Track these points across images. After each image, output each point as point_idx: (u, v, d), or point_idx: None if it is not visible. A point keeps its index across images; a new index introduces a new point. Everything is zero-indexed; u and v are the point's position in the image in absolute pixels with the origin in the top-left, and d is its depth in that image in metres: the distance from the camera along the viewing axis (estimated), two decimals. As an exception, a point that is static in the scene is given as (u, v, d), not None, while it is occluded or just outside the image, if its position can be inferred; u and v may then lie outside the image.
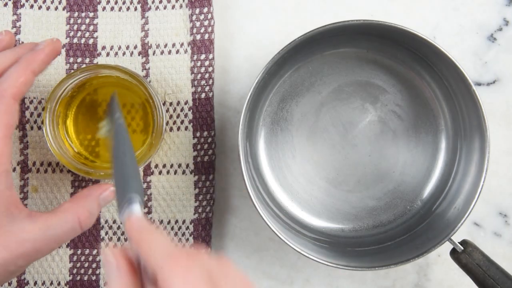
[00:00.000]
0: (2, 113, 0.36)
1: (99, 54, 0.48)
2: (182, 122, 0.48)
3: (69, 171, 0.48)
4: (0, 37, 0.41)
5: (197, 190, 0.48)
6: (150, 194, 0.48)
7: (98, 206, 0.39)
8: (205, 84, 0.48)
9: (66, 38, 0.48)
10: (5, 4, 0.48)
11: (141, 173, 0.48)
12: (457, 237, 0.43)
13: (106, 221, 0.48)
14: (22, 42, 0.48)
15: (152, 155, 0.43)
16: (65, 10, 0.48)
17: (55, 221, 0.37)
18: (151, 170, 0.48)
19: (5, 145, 0.36)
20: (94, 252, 0.48)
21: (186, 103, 0.48)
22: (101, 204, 0.40)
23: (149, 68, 0.48)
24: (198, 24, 0.48)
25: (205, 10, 0.48)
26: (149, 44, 0.48)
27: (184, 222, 0.48)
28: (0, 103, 0.37)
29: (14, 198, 0.37)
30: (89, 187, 0.41)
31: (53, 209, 0.38)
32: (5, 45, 0.41)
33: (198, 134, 0.48)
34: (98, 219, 0.48)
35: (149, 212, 0.48)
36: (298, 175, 0.48)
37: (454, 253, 0.43)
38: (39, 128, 0.48)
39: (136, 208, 0.32)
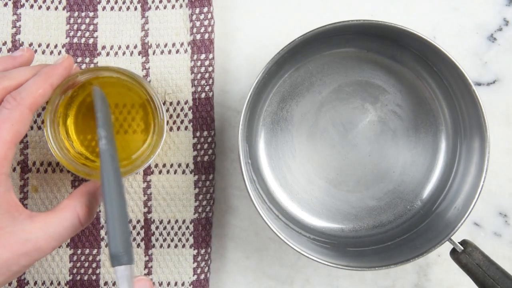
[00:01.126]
0: (15, 120, 0.37)
1: (99, 54, 0.48)
2: (182, 122, 0.48)
3: (69, 171, 0.48)
4: (22, 52, 0.43)
5: (197, 189, 0.48)
6: (150, 193, 0.48)
7: (96, 201, 0.40)
8: (205, 84, 0.48)
9: (66, 38, 0.48)
10: (5, 4, 0.48)
11: (141, 173, 0.48)
12: (457, 237, 0.43)
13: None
14: (22, 43, 0.48)
15: (153, 157, 0.43)
16: (65, 10, 0.48)
17: (54, 219, 0.37)
18: (151, 170, 0.48)
19: (10, 149, 0.37)
20: (94, 251, 0.48)
21: (186, 102, 0.48)
22: (99, 199, 0.41)
23: (149, 68, 0.48)
24: (198, 24, 0.48)
25: (205, 10, 0.48)
26: (149, 44, 0.48)
27: (184, 221, 0.48)
28: (16, 110, 0.38)
29: (13, 200, 0.37)
30: (86, 183, 0.41)
31: (52, 207, 0.39)
32: (25, 60, 0.43)
33: (198, 134, 0.48)
34: (98, 219, 0.48)
35: (149, 212, 0.48)
36: (298, 175, 0.48)
37: (454, 253, 0.43)
38: (39, 128, 0.48)
39: (120, 277, 0.36)
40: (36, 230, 0.37)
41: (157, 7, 0.48)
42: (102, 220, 0.48)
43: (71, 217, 0.38)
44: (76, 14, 0.48)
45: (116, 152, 0.39)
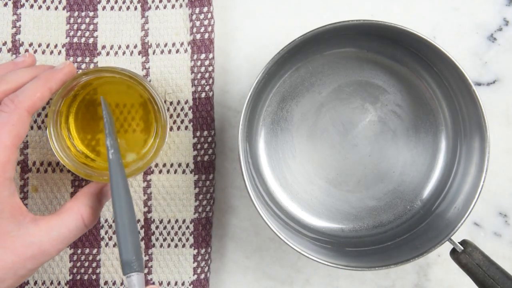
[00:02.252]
0: (14, 124, 0.37)
1: (99, 54, 0.48)
2: (182, 121, 0.48)
3: (69, 170, 0.48)
4: (23, 58, 0.43)
5: (197, 189, 0.48)
6: (150, 193, 0.48)
7: (100, 202, 0.40)
8: (205, 83, 0.48)
9: (66, 38, 0.48)
10: (5, 4, 0.48)
11: (141, 172, 0.48)
12: (457, 237, 0.43)
13: (106, 220, 0.48)
14: (22, 42, 0.48)
15: (155, 159, 0.44)
16: (65, 9, 0.48)
17: (58, 222, 0.38)
18: (151, 169, 0.48)
19: (12, 153, 0.37)
20: (94, 251, 0.48)
21: (186, 102, 0.48)
22: (103, 200, 0.41)
23: (149, 68, 0.48)
24: (198, 23, 0.48)
25: (205, 9, 0.48)
26: (149, 44, 0.48)
27: (184, 221, 0.48)
28: (14, 113, 0.38)
29: (18, 204, 0.37)
30: (89, 184, 0.41)
31: (57, 210, 0.39)
32: (27, 66, 0.43)
33: (198, 134, 0.48)
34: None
35: (149, 211, 0.48)
36: (298, 175, 0.48)
37: (454, 253, 0.43)
38: (39, 128, 0.48)
39: (132, 285, 0.36)
40: (41, 233, 0.37)
41: (157, 7, 0.48)
42: (102, 220, 0.48)
43: (75, 219, 0.38)
44: (76, 14, 0.48)
45: (122, 160, 0.40)
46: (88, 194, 0.40)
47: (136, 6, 0.48)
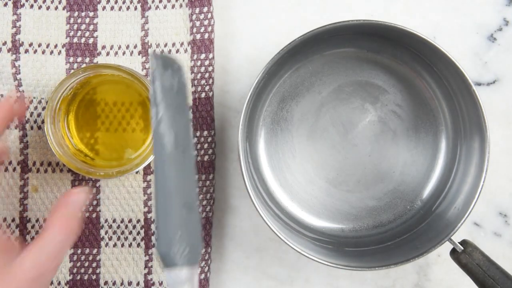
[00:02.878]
0: None
1: (99, 54, 0.48)
2: (182, 121, 0.48)
3: (69, 170, 0.48)
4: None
5: (197, 189, 0.48)
6: (150, 193, 0.48)
7: (76, 210, 0.39)
8: (205, 83, 0.48)
9: (66, 38, 0.48)
10: (5, 4, 0.48)
11: (141, 173, 0.48)
12: (457, 237, 0.43)
13: (106, 220, 0.48)
14: (22, 42, 0.48)
15: (151, 155, 0.43)
16: (65, 9, 0.48)
17: (43, 243, 0.37)
18: (151, 169, 0.48)
19: None
20: (94, 251, 0.48)
21: (186, 102, 0.48)
22: (78, 208, 0.40)
23: (149, 68, 0.48)
24: (198, 23, 0.48)
25: (205, 9, 0.48)
26: (149, 44, 0.48)
27: (184, 221, 0.48)
28: None
29: (6, 236, 0.38)
30: (61, 195, 0.40)
31: (39, 232, 0.39)
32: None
33: (198, 134, 0.48)
34: (97, 218, 0.48)
35: (149, 211, 0.48)
36: (298, 175, 0.48)
37: (454, 253, 0.43)
38: (39, 128, 0.48)
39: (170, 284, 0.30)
40: (33, 258, 0.37)
41: (157, 7, 0.48)
42: (102, 220, 0.48)
43: (58, 233, 0.38)
44: (76, 14, 0.48)
45: (185, 126, 0.33)
46: (63, 205, 0.39)
47: (136, 6, 0.48)
